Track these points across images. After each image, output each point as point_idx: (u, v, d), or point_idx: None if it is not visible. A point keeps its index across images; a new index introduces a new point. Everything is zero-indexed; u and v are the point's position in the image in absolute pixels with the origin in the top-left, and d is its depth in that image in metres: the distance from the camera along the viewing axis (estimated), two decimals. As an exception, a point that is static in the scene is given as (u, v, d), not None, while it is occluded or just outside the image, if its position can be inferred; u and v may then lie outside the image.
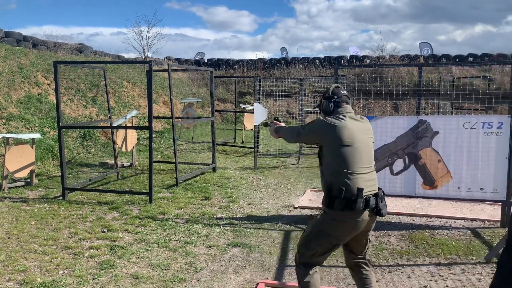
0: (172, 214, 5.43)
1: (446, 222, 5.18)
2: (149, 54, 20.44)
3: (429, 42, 22.05)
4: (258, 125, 9.55)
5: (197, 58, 22.88)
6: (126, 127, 7.53)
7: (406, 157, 4.96)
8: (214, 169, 8.18)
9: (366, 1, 71.50)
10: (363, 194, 2.53)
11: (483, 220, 5.19)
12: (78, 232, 4.69)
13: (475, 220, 5.22)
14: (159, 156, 9.94)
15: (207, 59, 22.60)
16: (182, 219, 5.24)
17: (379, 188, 2.69)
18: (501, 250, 4.06)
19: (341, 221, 2.58)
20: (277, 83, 17.39)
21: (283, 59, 21.62)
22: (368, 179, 2.61)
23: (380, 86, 15.99)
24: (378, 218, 2.71)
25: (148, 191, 6.04)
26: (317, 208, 5.70)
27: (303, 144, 9.97)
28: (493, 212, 5.50)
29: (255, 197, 6.36)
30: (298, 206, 5.83)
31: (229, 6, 70.41)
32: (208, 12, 71.84)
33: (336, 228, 2.61)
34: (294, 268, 3.79)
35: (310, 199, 6.29)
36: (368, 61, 20.88)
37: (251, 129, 12.12)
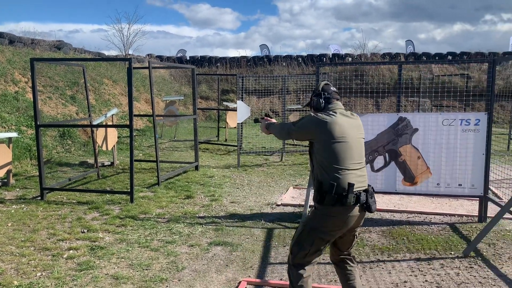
0: (154, 214, 5.37)
1: (426, 217, 5.26)
2: (130, 52, 20.20)
3: (412, 41, 22.38)
4: (241, 123, 9.55)
5: (179, 55, 22.70)
6: (106, 126, 7.40)
7: (387, 154, 5.01)
8: (196, 168, 8.12)
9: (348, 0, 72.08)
10: (354, 190, 2.54)
11: (462, 215, 5.30)
12: (57, 233, 4.59)
13: (453, 215, 5.31)
14: (141, 154, 9.82)
15: (190, 57, 22.44)
16: (164, 218, 5.19)
17: (368, 185, 2.71)
18: (478, 245, 4.15)
19: (332, 216, 2.58)
20: (260, 81, 17.42)
21: (266, 57, 21.63)
22: (359, 175, 2.62)
23: (362, 84, 16.15)
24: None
25: (129, 190, 5.96)
26: (299, 206, 5.72)
27: (286, 142, 10.00)
28: (471, 207, 5.62)
29: (238, 195, 6.34)
30: (281, 203, 5.84)
31: (211, 4, 70.06)
32: (190, 9, 71.33)
33: (327, 223, 2.61)
34: (277, 265, 3.83)
35: (293, 196, 6.31)
36: (350, 59, 21.06)
37: (234, 127, 12.08)
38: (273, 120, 3.13)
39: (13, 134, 7.14)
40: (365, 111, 17.75)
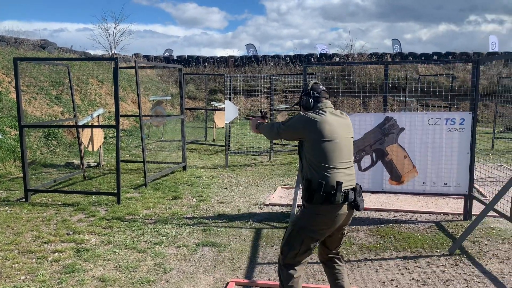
0: (141, 215, 5.32)
1: (413, 216, 5.32)
2: (117, 51, 19.99)
3: (398, 40, 22.58)
4: (229, 123, 9.53)
5: (166, 55, 22.56)
6: (92, 126, 7.31)
7: (374, 153, 5.05)
8: (184, 168, 8.08)
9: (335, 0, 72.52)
10: (342, 188, 2.55)
11: (447, 214, 5.36)
12: (42, 236, 4.52)
13: (439, 213, 5.38)
14: (128, 155, 9.73)
15: (177, 56, 22.31)
16: (151, 219, 5.15)
17: (356, 183, 2.72)
18: (463, 242, 4.21)
19: (321, 215, 2.59)
20: (248, 81, 17.40)
21: (254, 57, 21.62)
22: (347, 174, 2.63)
23: (349, 83, 16.26)
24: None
25: (115, 191, 5.89)
26: (287, 205, 5.72)
27: (274, 142, 10.01)
28: (457, 206, 5.69)
29: (226, 196, 6.32)
30: (269, 203, 5.84)
31: (199, 3, 69.79)
32: (177, 8, 70.97)
33: (316, 222, 2.62)
34: (265, 266, 3.82)
35: (281, 196, 6.31)
36: (337, 59, 21.18)
37: (222, 127, 12.05)
38: (267, 121, 3.13)
39: (-4, 135, 7.01)
40: (352, 110, 17.88)
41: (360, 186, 2.74)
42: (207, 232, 4.68)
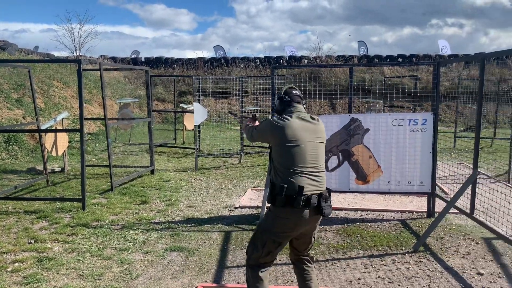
0: (107, 221, 5.19)
1: (379, 215, 5.44)
2: (82, 53, 19.45)
3: (364, 42, 23.07)
4: (199, 125, 9.45)
5: (133, 56, 22.16)
6: (55, 130, 7.07)
7: (340, 154, 5.13)
8: (152, 172, 7.94)
9: (303, 3, 73.47)
10: (305, 193, 2.56)
11: (412, 212, 5.52)
12: (1, 245, 4.32)
13: (404, 212, 5.53)
14: (94, 159, 9.48)
15: (145, 58, 21.95)
16: (118, 225, 5.03)
17: (327, 189, 2.72)
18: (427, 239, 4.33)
19: (283, 218, 2.61)
20: (218, 83, 17.33)
21: (223, 59, 21.56)
22: (312, 179, 2.63)
23: (318, 85, 16.48)
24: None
25: (80, 197, 5.72)
26: (257, 207, 5.73)
27: (244, 143, 10.01)
28: (421, 204, 5.87)
29: (195, 199, 6.26)
30: (239, 205, 5.82)
31: (167, 4, 68.98)
32: (145, 9, 69.89)
33: (278, 225, 2.64)
34: (234, 269, 3.81)
35: (251, 198, 6.31)
36: (306, 61, 21.44)
37: (192, 129, 11.93)
38: (257, 123, 3.18)
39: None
40: (322, 112, 18.14)
41: (329, 191, 2.74)
42: (176, 237, 4.62)
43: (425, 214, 5.36)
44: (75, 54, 18.83)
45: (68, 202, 5.92)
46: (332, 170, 5.17)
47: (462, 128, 14.18)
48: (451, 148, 11.03)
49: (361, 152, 5.09)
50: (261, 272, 2.72)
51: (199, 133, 9.75)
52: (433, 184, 5.18)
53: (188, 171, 8.34)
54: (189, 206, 5.86)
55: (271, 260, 2.76)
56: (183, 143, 12.35)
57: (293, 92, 2.87)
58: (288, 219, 2.61)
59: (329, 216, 5.26)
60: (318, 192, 2.64)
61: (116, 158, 9.63)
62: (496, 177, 7.70)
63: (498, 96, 12.27)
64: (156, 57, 21.90)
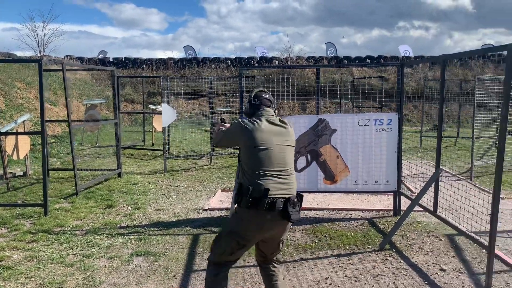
0: (70, 226, 5.01)
1: (347, 214, 5.50)
2: (47, 52, 18.84)
3: (333, 43, 23.39)
4: (169, 126, 9.29)
5: (100, 56, 21.63)
6: (16, 133, 6.79)
7: (308, 155, 5.16)
8: (119, 175, 7.75)
9: (274, 4, 73.87)
10: (271, 196, 2.54)
11: (379, 210, 5.61)
12: (-46, 255, 4.10)
13: (371, 210, 5.62)
14: (59, 163, 9.17)
15: (113, 58, 21.47)
16: (82, 230, 4.87)
17: (298, 194, 2.68)
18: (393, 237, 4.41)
19: (247, 220, 2.59)
20: (189, 83, 17.14)
21: (194, 59, 21.38)
22: (279, 182, 2.61)
23: (288, 86, 16.58)
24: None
25: (42, 202, 5.50)
26: (227, 209, 5.68)
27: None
28: (388, 202, 5.97)
29: (164, 202, 6.15)
30: (208, 208, 5.76)
31: (136, 3, 67.85)
32: (113, 8, 68.50)
33: (242, 226, 2.62)
34: (202, 273, 3.75)
35: (221, 200, 6.26)
36: (277, 62, 21.54)
37: (161, 131, 11.75)
38: (227, 125, 3.15)
39: None
40: (293, 112, 18.27)
41: (298, 197, 2.68)
42: (142, 241, 4.51)
43: (391, 213, 5.46)
44: (38, 54, 18.21)
45: (29, 207, 5.68)
46: (301, 170, 5.19)
47: (428, 128, 14.59)
48: (418, 147, 11.33)
49: (328, 152, 5.13)
50: (221, 271, 2.71)
51: (168, 134, 9.60)
52: (399, 182, 5.28)
53: (157, 174, 8.19)
54: (157, 210, 5.75)
55: (234, 259, 2.75)
56: (153, 145, 12.15)
57: (263, 95, 2.87)
58: (251, 221, 2.59)
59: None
60: (286, 196, 2.61)
61: (82, 161, 9.35)
62: (459, 175, 7.95)
63: (461, 97, 12.70)
64: (124, 57, 21.46)
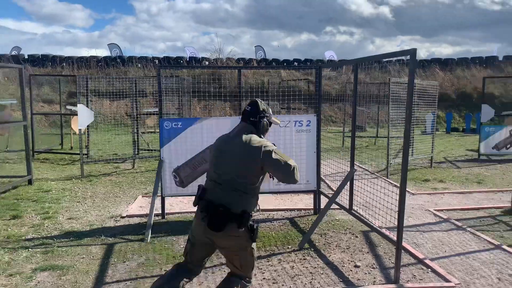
0: (-35, 242, 4.47)
1: (270, 214, 5.53)
2: None
3: (262, 46, 23.70)
4: (88, 128, 8.74)
5: (13, 53, 19.93)
6: None
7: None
8: (30, 182, 7.12)
9: (205, 4, 73.42)
10: (202, 194, 2.63)
11: (300, 209, 5.72)
12: None
13: (293, 210, 5.70)
14: (-42, 170, 8.22)
15: (28, 55, 19.89)
16: (-22, 246, 4.36)
17: (226, 206, 2.52)
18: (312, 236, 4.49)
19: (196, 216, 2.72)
20: (114, 83, 16.34)
21: (119, 58, 20.48)
22: (215, 186, 2.64)
23: (219, 87, 16.49)
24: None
25: None
26: (147, 215, 5.43)
27: (140, 147, 9.54)
28: (309, 201, 6.10)
29: (78, 210, 5.73)
30: (126, 215, 5.47)
31: (58, -2, 63.74)
32: (32, 2, 63.70)
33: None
34: (114, 285, 3.52)
35: (141, 206, 5.98)
36: (206, 62, 21.36)
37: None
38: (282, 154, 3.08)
39: None
40: (224, 114, 18.20)
41: (225, 210, 2.51)
42: (49, 254, 4.15)
43: (312, 211, 5.58)
44: None
45: None
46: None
47: (350, 128, 15.27)
48: (340, 147, 11.82)
49: (249, 154, 5.10)
50: (179, 265, 2.79)
51: (87, 137, 9.03)
52: (318, 182, 5.41)
53: (73, 179, 7.66)
54: (70, 218, 5.34)
55: (187, 258, 2.74)
56: (71, 148, 11.39)
57: (246, 108, 2.86)
58: (195, 218, 2.70)
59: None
60: (217, 203, 2.55)
61: (-13, 168, 8.48)
62: (377, 172, 8.40)
63: (379, 99, 13.48)
64: (41, 55, 19.99)
